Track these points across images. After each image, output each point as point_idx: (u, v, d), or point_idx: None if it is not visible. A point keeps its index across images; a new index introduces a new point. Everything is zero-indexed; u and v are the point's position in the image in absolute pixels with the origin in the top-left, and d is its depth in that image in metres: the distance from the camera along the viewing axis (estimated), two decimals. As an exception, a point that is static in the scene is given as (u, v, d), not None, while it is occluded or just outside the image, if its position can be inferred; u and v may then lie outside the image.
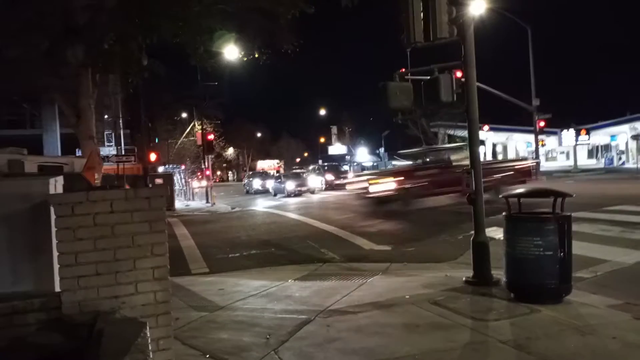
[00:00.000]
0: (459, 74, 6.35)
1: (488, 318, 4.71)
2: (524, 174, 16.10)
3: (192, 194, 33.92)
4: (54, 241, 2.97)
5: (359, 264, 8.04)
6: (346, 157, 62.47)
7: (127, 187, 12.06)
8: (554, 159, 49.87)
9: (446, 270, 6.99)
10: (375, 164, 52.42)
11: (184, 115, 41.59)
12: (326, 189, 31.90)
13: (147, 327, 2.75)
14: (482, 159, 22.01)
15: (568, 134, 36.78)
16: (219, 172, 75.86)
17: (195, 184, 35.32)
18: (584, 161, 44.15)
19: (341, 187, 26.17)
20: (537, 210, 5.39)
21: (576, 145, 36.37)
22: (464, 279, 6.02)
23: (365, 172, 30.16)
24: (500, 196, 5.62)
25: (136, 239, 3.03)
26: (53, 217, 2.99)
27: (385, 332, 4.46)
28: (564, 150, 48.30)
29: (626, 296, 5.21)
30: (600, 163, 43.80)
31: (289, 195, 28.26)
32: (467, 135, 6.35)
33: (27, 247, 3.06)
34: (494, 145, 52.29)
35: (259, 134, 79.21)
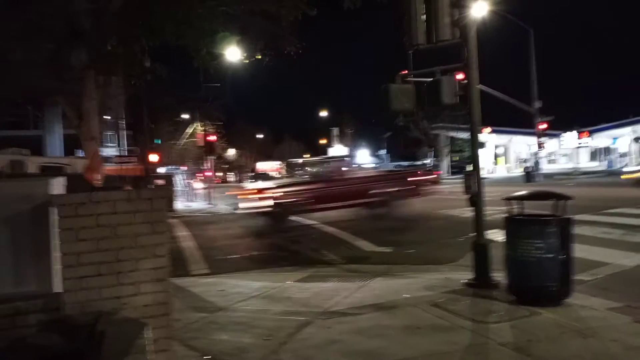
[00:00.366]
0: (461, 76, 6.34)
1: (488, 320, 4.71)
2: (419, 185, 14.05)
3: (193, 195, 33.90)
4: (52, 242, 2.98)
5: (358, 266, 8.04)
6: (346, 158, 62.29)
7: (129, 188, 12.06)
8: (554, 161, 49.76)
9: (447, 273, 6.99)
10: (377, 165, 52.40)
11: (186, 116, 41.60)
12: None
13: (149, 328, 2.76)
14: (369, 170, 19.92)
15: (570, 136, 36.76)
16: (220, 174, 75.87)
17: (196, 185, 35.32)
18: (585, 163, 44.12)
19: None
20: (538, 212, 5.39)
21: (578, 147, 36.33)
22: (464, 281, 6.02)
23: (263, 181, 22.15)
24: (501, 199, 5.58)
25: (138, 240, 3.04)
26: (53, 217, 2.99)
27: (385, 334, 4.46)
28: (565, 153, 48.22)
29: (627, 299, 5.20)
30: (602, 165, 43.73)
31: None
32: (469, 137, 6.36)
33: (29, 248, 3.07)
34: (496, 147, 52.27)
35: (260, 136, 79.29)
